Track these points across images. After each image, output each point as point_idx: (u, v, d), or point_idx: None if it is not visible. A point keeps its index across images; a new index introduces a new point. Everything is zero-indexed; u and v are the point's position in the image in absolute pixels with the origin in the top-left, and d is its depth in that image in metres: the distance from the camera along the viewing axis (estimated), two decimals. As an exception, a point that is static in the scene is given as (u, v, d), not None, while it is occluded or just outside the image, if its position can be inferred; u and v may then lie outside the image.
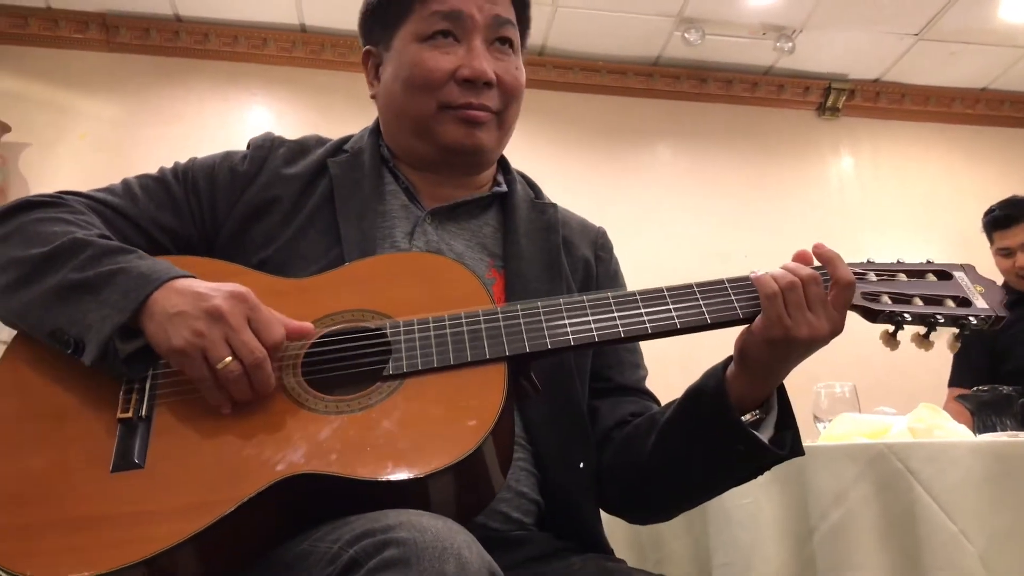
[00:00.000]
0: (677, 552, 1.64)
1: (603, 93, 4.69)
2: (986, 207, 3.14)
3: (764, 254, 4.66)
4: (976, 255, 4.29)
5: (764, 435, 1.01)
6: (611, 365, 1.21)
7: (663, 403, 1.20)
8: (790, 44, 4.43)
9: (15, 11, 4.24)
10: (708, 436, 1.02)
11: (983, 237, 3.13)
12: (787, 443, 1.03)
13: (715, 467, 1.06)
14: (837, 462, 1.54)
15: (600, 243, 1.30)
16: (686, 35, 4.37)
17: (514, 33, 1.18)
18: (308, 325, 0.96)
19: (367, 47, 1.26)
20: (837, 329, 0.98)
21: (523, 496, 1.08)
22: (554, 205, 1.28)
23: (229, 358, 0.89)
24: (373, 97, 1.26)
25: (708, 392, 1.02)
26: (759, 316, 0.98)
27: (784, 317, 0.96)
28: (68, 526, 0.84)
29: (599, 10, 4.20)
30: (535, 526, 1.10)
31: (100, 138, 4.21)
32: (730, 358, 1.03)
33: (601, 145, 4.62)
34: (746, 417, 1.02)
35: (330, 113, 4.35)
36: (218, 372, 0.89)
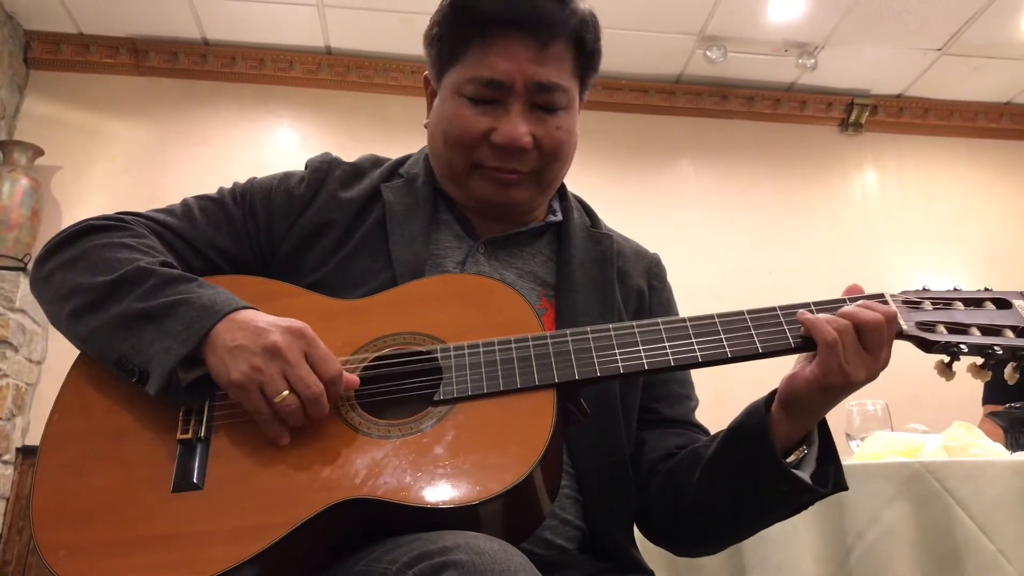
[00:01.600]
0: (713, 572, 1.63)
1: (626, 111, 4.72)
2: (1014, 221, 3.12)
3: (788, 269, 4.69)
4: (1004, 269, 4.29)
5: (806, 471, 1.00)
6: (660, 398, 1.20)
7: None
8: (812, 60, 4.44)
9: (48, 37, 4.34)
10: (751, 476, 1.00)
11: (1011, 252, 3.11)
12: (830, 479, 1.02)
13: (758, 505, 1.04)
14: (873, 481, 1.54)
15: (654, 271, 1.29)
16: (708, 53, 4.39)
17: (560, 97, 1.13)
18: (354, 378, 0.96)
19: (426, 73, 1.23)
20: (886, 363, 0.97)
21: (567, 523, 1.09)
22: (610, 235, 1.27)
23: (286, 392, 0.90)
24: (426, 126, 1.24)
25: (751, 433, 1.01)
26: (814, 364, 0.96)
27: (844, 364, 0.94)
28: (131, 545, 0.86)
29: (621, 29, 4.22)
30: (576, 551, 1.10)
31: (130, 160, 4.28)
32: (773, 394, 1.01)
33: (624, 162, 4.64)
34: (790, 458, 1.00)
35: (356, 134, 4.41)
36: (276, 406, 0.90)
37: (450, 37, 1.13)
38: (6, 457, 3.71)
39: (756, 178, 4.73)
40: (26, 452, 3.77)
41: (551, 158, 1.15)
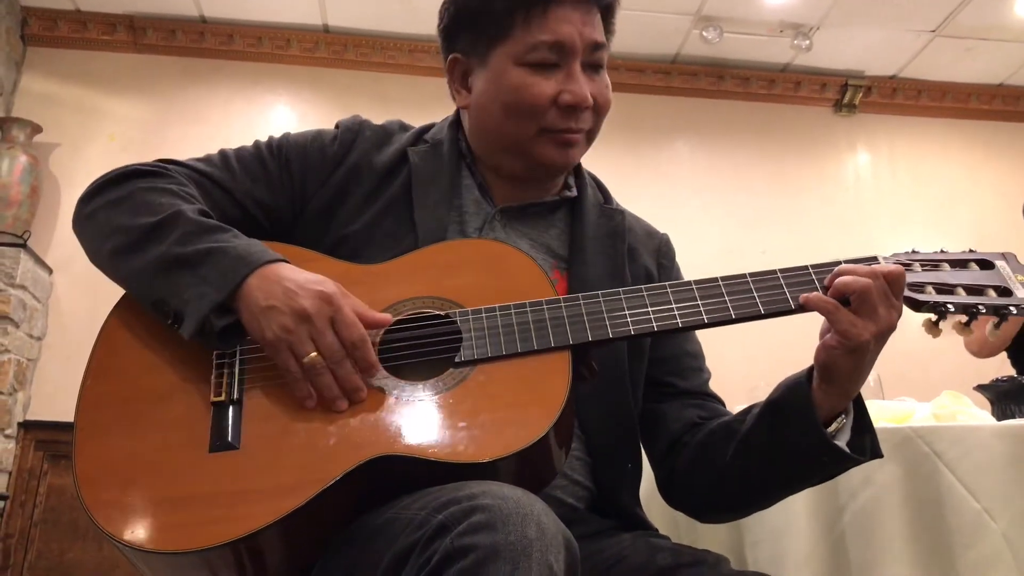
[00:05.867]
0: (711, 529, 1.69)
1: (622, 91, 4.71)
2: (1002, 201, 3.16)
3: (781, 249, 4.74)
4: (991, 248, 4.34)
5: (842, 440, 1.03)
6: (673, 372, 1.24)
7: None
8: (807, 41, 4.47)
9: (45, 14, 4.34)
10: (794, 450, 1.04)
11: (1000, 233, 3.14)
12: (867, 447, 1.05)
13: (797, 475, 1.09)
14: (865, 446, 1.59)
15: (663, 251, 1.33)
16: (704, 33, 4.42)
17: (606, 55, 1.21)
18: (386, 316, 1.01)
19: (454, 55, 1.24)
20: (900, 313, 1.00)
21: (577, 484, 1.14)
22: (622, 212, 1.31)
23: (314, 353, 0.95)
24: (464, 107, 1.26)
25: (794, 408, 1.03)
26: (832, 332, 0.98)
27: (856, 324, 0.97)
28: (174, 503, 0.90)
29: (618, 8, 4.24)
30: (585, 509, 1.16)
31: (128, 138, 4.29)
32: (810, 369, 1.04)
33: (620, 142, 4.65)
34: (831, 428, 1.03)
35: (352, 112, 4.40)
36: (304, 366, 0.95)
37: (501, 11, 1.16)
38: (8, 431, 3.75)
39: (751, 158, 4.77)
40: (27, 426, 3.81)
41: (601, 115, 1.22)
